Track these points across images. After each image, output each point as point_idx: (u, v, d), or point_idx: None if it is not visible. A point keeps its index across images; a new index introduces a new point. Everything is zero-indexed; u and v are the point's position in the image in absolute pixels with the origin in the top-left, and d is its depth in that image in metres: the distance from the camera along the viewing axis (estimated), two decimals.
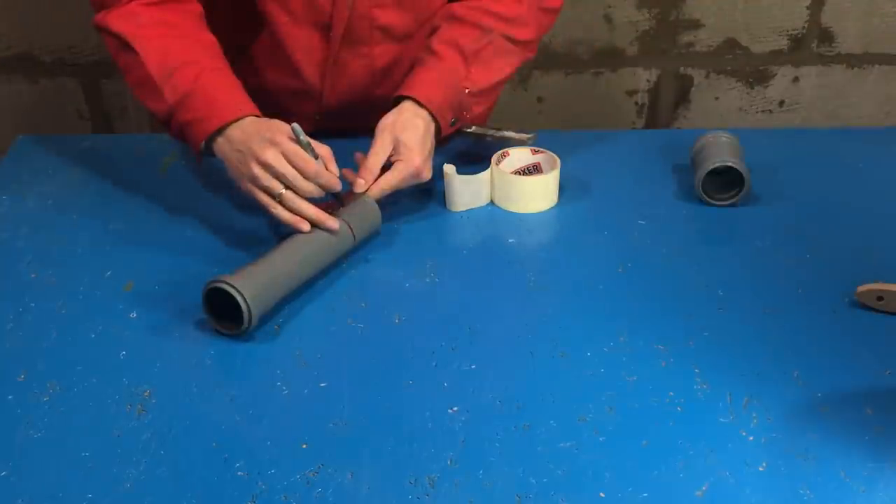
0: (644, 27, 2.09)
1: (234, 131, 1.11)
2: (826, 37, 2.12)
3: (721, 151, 1.24)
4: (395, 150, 1.17)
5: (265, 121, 1.12)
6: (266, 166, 1.08)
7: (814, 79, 2.18)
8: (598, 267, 1.13)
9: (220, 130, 1.12)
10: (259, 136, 1.09)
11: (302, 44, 1.28)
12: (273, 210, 1.09)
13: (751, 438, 0.89)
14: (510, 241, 1.19)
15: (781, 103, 2.21)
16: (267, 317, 1.04)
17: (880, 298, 1.04)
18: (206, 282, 1.00)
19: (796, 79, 2.18)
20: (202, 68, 1.14)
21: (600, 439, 0.89)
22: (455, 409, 0.92)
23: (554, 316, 1.05)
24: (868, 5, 2.08)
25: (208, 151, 1.15)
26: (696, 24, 2.09)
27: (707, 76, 2.16)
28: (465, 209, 1.24)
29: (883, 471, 0.85)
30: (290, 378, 0.96)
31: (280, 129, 1.10)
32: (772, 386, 0.95)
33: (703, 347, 1.00)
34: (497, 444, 0.88)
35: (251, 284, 0.99)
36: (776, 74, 2.17)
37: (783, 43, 2.13)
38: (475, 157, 1.30)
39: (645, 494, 0.83)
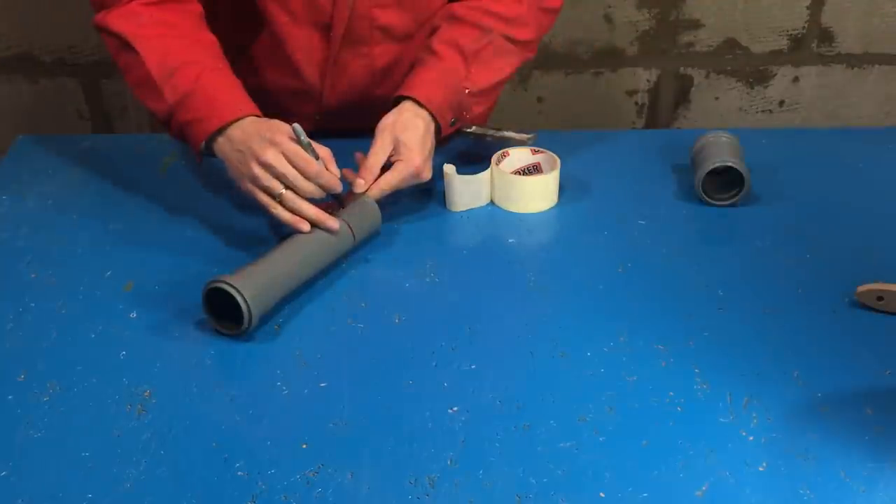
0: (644, 27, 2.09)
1: (235, 131, 1.11)
2: (826, 37, 2.12)
3: (721, 151, 1.24)
4: (396, 150, 1.17)
5: (265, 121, 1.12)
6: (266, 166, 1.08)
7: (814, 79, 2.18)
8: (598, 267, 1.13)
9: (220, 130, 1.12)
10: (259, 136, 1.09)
11: (302, 44, 1.28)
12: (273, 210, 1.09)
13: (751, 438, 0.89)
14: (510, 241, 1.19)
15: (781, 103, 2.21)
16: (267, 317, 1.04)
17: (880, 298, 1.04)
18: (206, 282, 1.00)
19: (796, 79, 2.18)
20: (203, 68, 1.14)
21: (600, 439, 0.89)
22: (455, 409, 0.92)
23: (554, 316, 1.05)
24: (868, 5, 2.08)
25: (208, 151, 1.15)
26: (696, 24, 2.09)
27: (707, 76, 2.16)
28: (465, 209, 1.24)
29: (883, 471, 0.85)
30: (290, 378, 0.96)
31: (280, 130, 1.10)
32: (772, 386, 0.95)
33: (703, 347, 1.00)
34: (497, 444, 0.88)
35: (251, 284, 0.99)
36: (776, 74, 2.17)
37: (783, 43, 2.13)
38: (475, 157, 1.30)
39: (645, 494, 0.83)
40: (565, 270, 1.13)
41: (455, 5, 1.30)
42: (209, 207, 1.24)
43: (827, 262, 1.13)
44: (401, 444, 0.88)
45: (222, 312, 1.00)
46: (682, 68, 2.15)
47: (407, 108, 1.20)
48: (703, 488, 0.83)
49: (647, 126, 2.22)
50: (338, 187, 1.11)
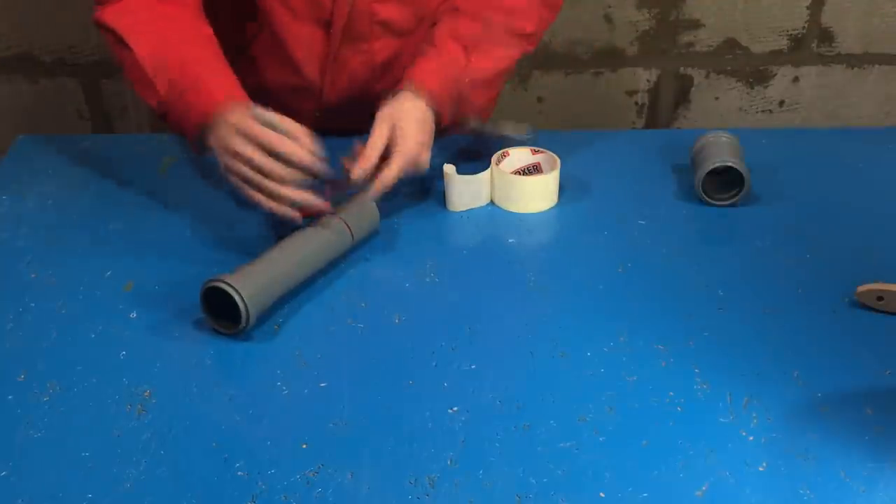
0: (644, 27, 2.09)
1: (218, 122, 1.08)
2: (826, 37, 2.12)
3: (721, 151, 1.24)
4: (392, 138, 1.16)
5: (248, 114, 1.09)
6: (235, 155, 1.06)
7: (814, 79, 2.18)
8: (598, 267, 1.13)
9: (207, 122, 1.10)
10: (226, 125, 1.06)
11: (302, 41, 1.28)
12: (258, 200, 1.07)
13: (751, 438, 0.89)
14: (510, 241, 1.19)
15: (781, 103, 2.21)
16: (266, 316, 1.04)
17: (880, 298, 1.04)
18: (204, 281, 1.00)
19: (796, 79, 2.18)
20: (194, 61, 1.14)
21: (600, 439, 0.89)
22: (455, 409, 0.92)
23: (554, 316, 1.05)
24: (868, 5, 2.08)
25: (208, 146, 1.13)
26: (696, 24, 2.09)
27: (707, 76, 2.16)
28: (465, 209, 1.24)
29: (883, 471, 0.85)
30: (290, 378, 0.96)
31: (244, 113, 1.07)
32: (772, 386, 0.95)
33: (703, 347, 1.00)
34: (497, 444, 0.88)
35: (249, 283, 0.99)
36: (776, 74, 2.17)
37: (783, 43, 2.13)
38: (475, 156, 1.30)
39: (645, 494, 0.83)
40: (565, 270, 1.13)
41: None
42: (209, 207, 1.24)
43: (827, 262, 1.13)
44: (401, 444, 0.88)
45: (221, 312, 1.00)
46: (682, 68, 2.15)
47: (405, 96, 1.20)
48: (703, 488, 0.83)
49: (647, 126, 2.22)
50: (315, 166, 1.06)
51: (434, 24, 1.30)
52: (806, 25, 2.10)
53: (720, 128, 1.31)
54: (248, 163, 1.05)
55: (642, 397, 0.94)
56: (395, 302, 1.07)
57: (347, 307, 1.07)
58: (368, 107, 1.24)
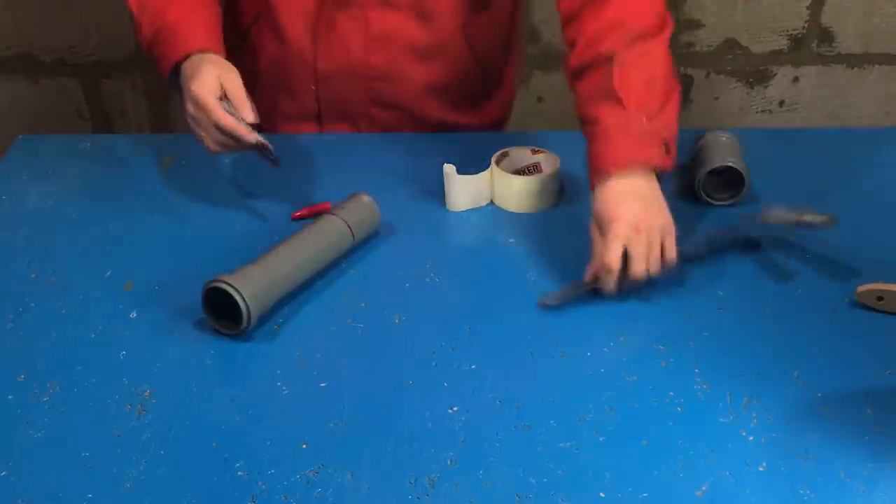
0: None
1: (185, 68, 1.16)
2: (826, 37, 2.12)
3: (721, 151, 1.24)
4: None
5: (198, 64, 1.15)
6: (190, 118, 1.14)
7: (814, 79, 2.18)
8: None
9: (177, 66, 1.17)
10: (188, 90, 1.13)
11: (293, 5, 1.29)
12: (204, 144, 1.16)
13: (751, 438, 0.89)
14: (510, 241, 1.19)
15: (781, 103, 2.21)
16: (266, 317, 1.04)
17: (880, 298, 1.04)
18: (206, 282, 1.00)
19: (796, 79, 2.18)
20: (175, 3, 1.19)
21: (600, 439, 0.89)
22: (455, 409, 0.92)
23: (554, 316, 1.05)
24: (868, 5, 2.08)
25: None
26: (696, 24, 2.09)
27: (707, 76, 2.16)
28: (465, 209, 1.24)
29: (883, 471, 0.85)
30: (290, 378, 0.96)
31: (204, 80, 1.12)
32: (772, 386, 0.95)
33: (703, 347, 1.00)
34: (497, 444, 0.88)
35: (250, 284, 0.99)
36: (776, 74, 2.17)
37: (783, 43, 2.13)
38: (475, 157, 1.30)
39: (645, 494, 0.83)
40: (565, 270, 1.13)
41: (573, 57, 1.19)
42: (209, 207, 1.24)
43: (827, 262, 1.13)
44: (401, 444, 0.88)
45: (221, 312, 1.00)
46: (682, 68, 2.15)
47: (608, 186, 1.06)
48: (703, 488, 0.83)
49: None
50: (247, 137, 1.12)
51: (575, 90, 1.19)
52: (806, 25, 2.10)
53: (720, 128, 1.31)
54: (197, 126, 1.15)
55: (642, 397, 0.94)
56: (395, 302, 1.07)
57: (347, 307, 1.07)
58: (366, 84, 1.23)
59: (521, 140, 1.30)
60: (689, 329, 1.03)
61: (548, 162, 1.26)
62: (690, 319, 1.04)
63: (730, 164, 1.21)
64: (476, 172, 1.23)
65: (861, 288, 1.05)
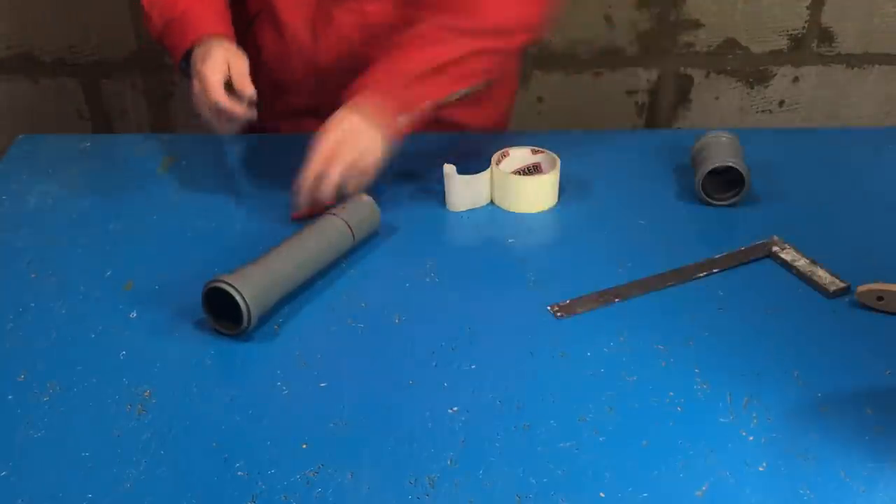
0: (644, 27, 2.09)
1: (197, 53, 1.20)
2: (826, 37, 2.12)
3: (721, 151, 1.24)
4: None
5: (209, 48, 1.19)
6: (195, 100, 1.19)
7: (814, 79, 2.18)
8: (598, 267, 1.13)
9: (188, 53, 1.21)
10: (197, 72, 1.18)
11: (292, 0, 1.30)
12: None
13: (751, 438, 0.89)
14: (510, 241, 1.19)
15: (781, 103, 2.21)
16: (266, 317, 1.04)
17: (880, 298, 1.04)
18: (206, 282, 1.00)
19: (796, 79, 2.18)
20: None
21: (600, 439, 0.89)
22: (455, 409, 0.92)
23: (554, 316, 1.05)
24: (868, 5, 2.08)
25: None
26: (696, 24, 2.09)
27: (707, 76, 2.16)
28: (465, 209, 1.24)
29: (883, 471, 0.85)
30: (290, 378, 0.96)
31: (211, 66, 1.17)
32: (772, 386, 0.95)
33: (703, 347, 1.00)
34: (497, 444, 0.88)
35: (250, 284, 0.99)
36: (776, 74, 2.17)
37: (783, 43, 2.12)
38: (475, 157, 1.30)
39: (645, 494, 0.83)
40: (565, 270, 1.13)
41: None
42: (209, 207, 1.24)
43: (827, 262, 1.13)
44: (401, 444, 0.88)
45: (222, 312, 1.00)
46: (682, 68, 2.15)
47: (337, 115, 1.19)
48: (703, 488, 0.83)
49: (647, 126, 2.22)
50: (243, 115, 1.17)
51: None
52: (806, 25, 2.10)
53: (720, 128, 1.31)
54: (198, 102, 1.20)
55: (642, 397, 0.94)
56: (395, 302, 1.07)
57: (347, 307, 1.07)
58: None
59: (521, 140, 1.30)
60: (689, 329, 1.03)
61: (548, 162, 1.26)
62: (690, 319, 1.04)
63: (730, 163, 1.21)
64: (476, 172, 1.23)
65: (861, 288, 1.05)
